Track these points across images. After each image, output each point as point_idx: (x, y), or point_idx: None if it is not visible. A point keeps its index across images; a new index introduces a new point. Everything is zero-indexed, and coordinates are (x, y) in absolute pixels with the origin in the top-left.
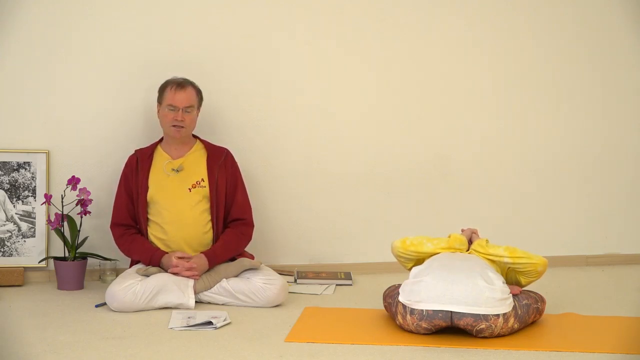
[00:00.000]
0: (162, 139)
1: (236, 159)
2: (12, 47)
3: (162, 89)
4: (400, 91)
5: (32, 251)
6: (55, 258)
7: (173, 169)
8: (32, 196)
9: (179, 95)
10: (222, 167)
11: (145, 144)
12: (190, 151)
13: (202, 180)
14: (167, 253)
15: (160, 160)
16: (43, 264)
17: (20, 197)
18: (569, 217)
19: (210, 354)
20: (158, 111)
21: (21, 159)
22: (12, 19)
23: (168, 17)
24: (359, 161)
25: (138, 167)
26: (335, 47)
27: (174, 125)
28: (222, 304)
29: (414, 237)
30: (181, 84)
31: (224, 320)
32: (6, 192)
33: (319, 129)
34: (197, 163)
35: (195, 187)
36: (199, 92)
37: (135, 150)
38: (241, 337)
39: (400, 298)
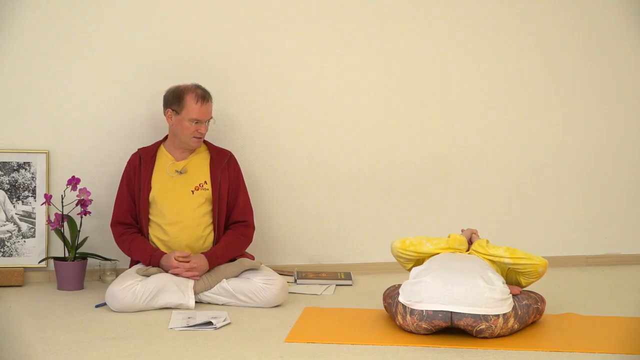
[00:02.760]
0: (165, 138)
1: (236, 159)
2: (12, 47)
3: (181, 98)
4: (400, 91)
5: (32, 251)
6: (55, 258)
7: (176, 171)
8: (32, 196)
9: (205, 108)
10: (225, 170)
11: (146, 144)
12: (193, 153)
13: (205, 182)
14: (166, 253)
15: (164, 161)
16: (43, 264)
17: (20, 197)
18: (569, 217)
19: (210, 354)
20: (171, 117)
21: (21, 159)
22: (13, 19)
23: (169, 18)
24: (359, 161)
25: (141, 166)
26: (335, 47)
27: (196, 137)
28: (222, 304)
29: (414, 237)
30: (205, 97)
31: (224, 320)
32: (6, 193)
33: (319, 129)
34: (200, 165)
35: (198, 190)
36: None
37: (138, 149)
38: (241, 337)
39: (400, 298)
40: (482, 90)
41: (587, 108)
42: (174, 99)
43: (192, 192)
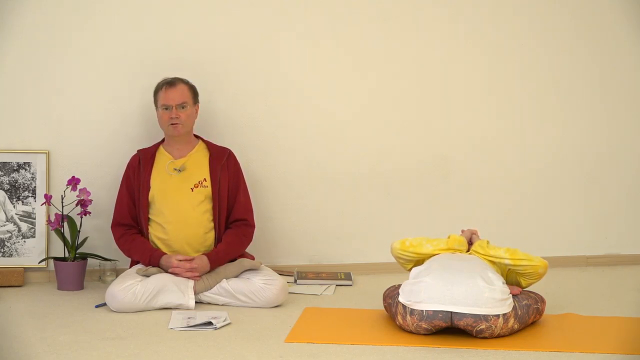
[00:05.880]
0: (164, 140)
1: (236, 157)
2: (12, 47)
3: (156, 92)
4: (400, 91)
5: (32, 251)
6: (55, 258)
7: (175, 169)
8: (32, 196)
9: (170, 93)
10: (225, 168)
11: (145, 144)
12: (192, 151)
13: (205, 180)
14: (166, 254)
15: (163, 160)
16: (43, 264)
17: (20, 197)
18: (569, 218)
19: (210, 354)
20: (156, 113)
21: (21, 159)
22: (13, 19)
23: (168, 18)
24: (359, 161)
25: (140, 166)
26: (335, 47)
27: (171, 124)
28: (222, 305)
29: (414, 238)
30: (171, 82)
31: (224, 320)
32: (6, 193)
33: (319, 128)
34: (199, 163)
35: (197, 187)
36: (191, 88)
37: (138, 150)
38: (241, 337)
39: (400, 298)
40: (483, 90)
41: (587, 108)
42: (154, 95)
43: (192, 189)
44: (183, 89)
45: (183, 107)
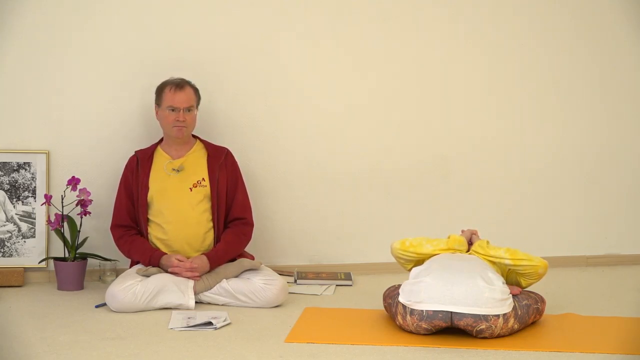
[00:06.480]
0: (161, 140)
1: (236, 159)
2: (12, 47)
3: (160, 91)
4: (400, 91)
5: (32, 252)
6: (55, 258)
7: (174, 169)
8: (32, 197)
9: (178, 96)
10: (223, 167)
11: (145, 144)
12: (190, 151)
13: (203, 179)
14: (166, 254)
15: (161, 161)
16: (43, 264)
17: (20, 197)
18: (569, 218)
19: (210, 354)
20: (157, 112)
21: (21, 159)
22: (13, 19)
23: (168, 18)
24: (359, 161)
25: (138, 167)
26: (335, 47)
27: (175, 126)
28: (222, 305)
29: (414, 238)
30: (180, 84)
31: (224, 320)
32: (6, 193)
33: (319, 128)
34: (197, 163)
35: (196, 187)
36: (196, 91)
37: (136, 151)
38: (241, 337)
39: (400, 298)
40: (482, 90)
41: (587, 108)
42: (156, 94)
43: (191, 189)
44: (190, 92)
45: (189, 111)
